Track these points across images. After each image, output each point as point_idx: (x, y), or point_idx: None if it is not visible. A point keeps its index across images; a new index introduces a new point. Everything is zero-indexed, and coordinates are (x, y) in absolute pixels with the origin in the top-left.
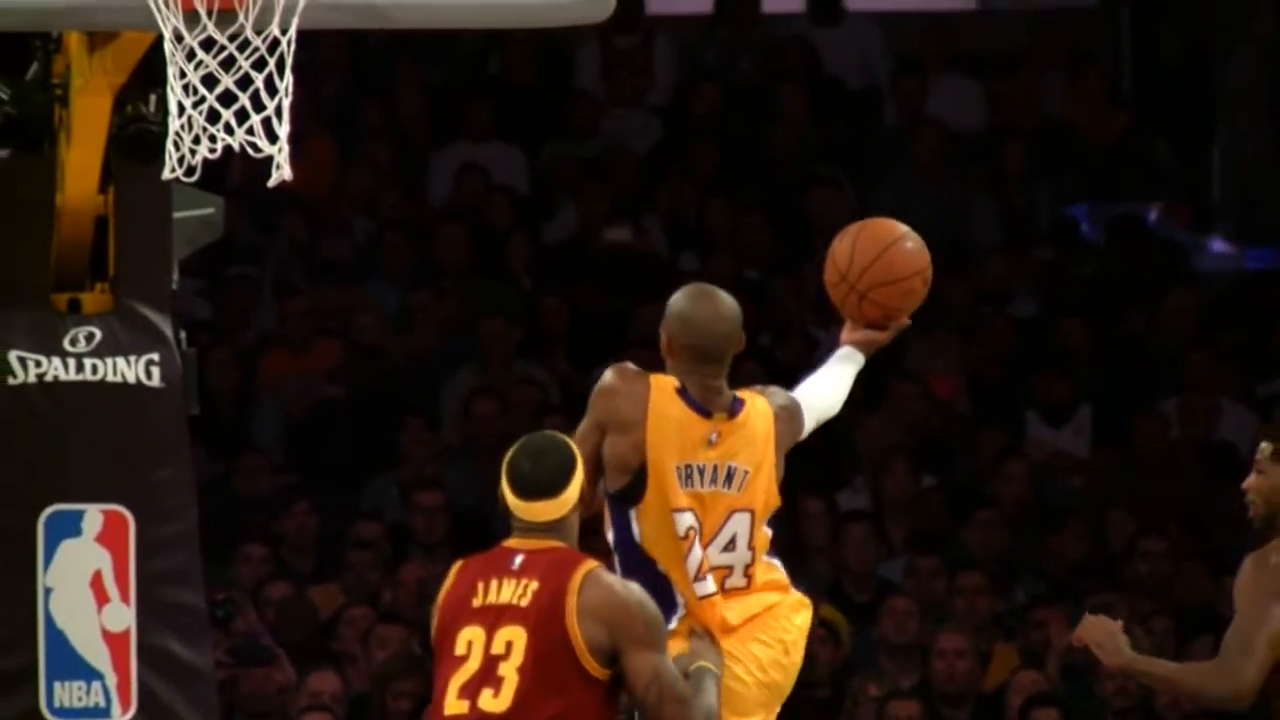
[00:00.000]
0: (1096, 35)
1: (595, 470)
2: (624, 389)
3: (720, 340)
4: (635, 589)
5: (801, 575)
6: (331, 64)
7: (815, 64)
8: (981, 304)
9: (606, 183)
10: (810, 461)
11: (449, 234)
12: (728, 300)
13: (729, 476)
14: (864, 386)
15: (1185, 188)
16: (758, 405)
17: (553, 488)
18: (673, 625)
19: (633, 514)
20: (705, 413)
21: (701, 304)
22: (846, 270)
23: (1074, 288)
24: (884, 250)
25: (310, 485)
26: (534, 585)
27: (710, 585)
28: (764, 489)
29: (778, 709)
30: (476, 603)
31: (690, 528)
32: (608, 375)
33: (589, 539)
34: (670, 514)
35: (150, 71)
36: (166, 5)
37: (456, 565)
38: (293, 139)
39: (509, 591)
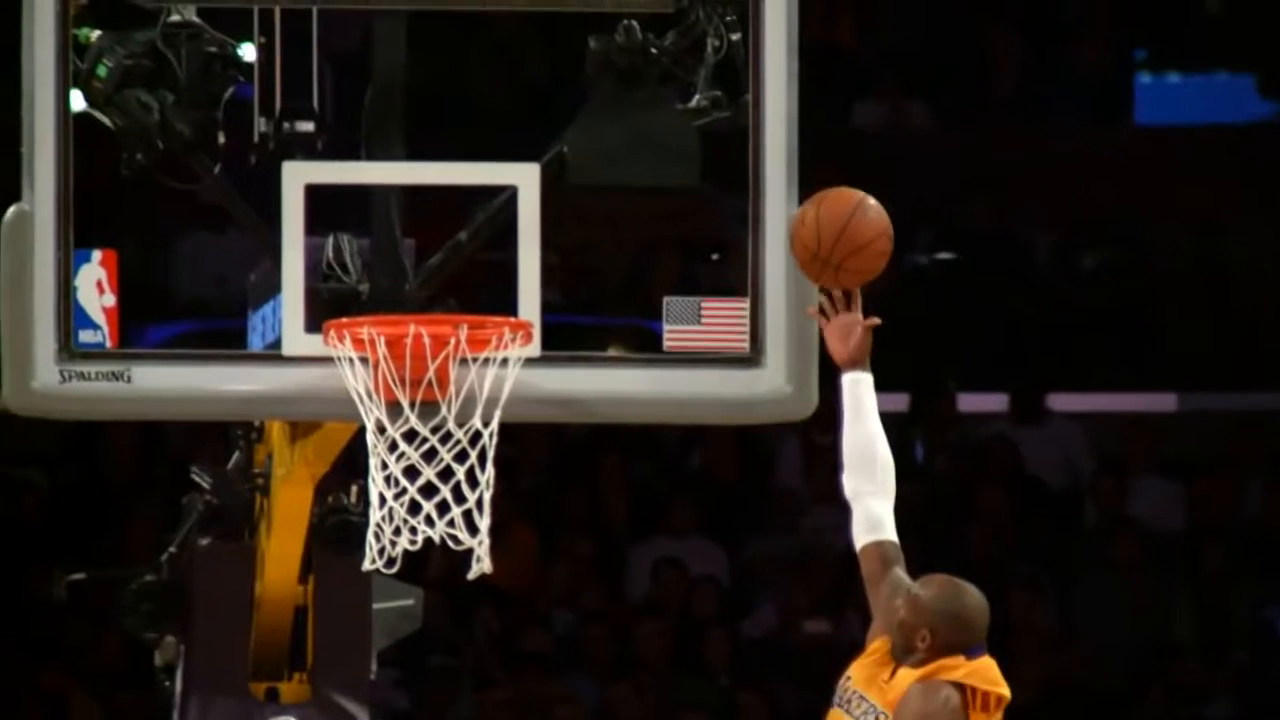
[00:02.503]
0: None
1: None
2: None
3: (985, 630)
4: None
5: None
6: (532, 456)
7: (1017, 463)
8: (1178, 705)
9: (806, 578)
10: None
11: (648, 628)
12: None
13: None
14: None
15: None
16: None
17: None
18: None
19: None
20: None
21: (967, 599)
22: (816, 249)
23: (1272, 691)
24: (846, 223)
25: None
26: None
27: None
28: None
29: None
30: None
31: None
32: (947, 699)
33: None
34: None
35: (351, 462)
36: (370, 397)
37: None
38: (493, 531)
39: None
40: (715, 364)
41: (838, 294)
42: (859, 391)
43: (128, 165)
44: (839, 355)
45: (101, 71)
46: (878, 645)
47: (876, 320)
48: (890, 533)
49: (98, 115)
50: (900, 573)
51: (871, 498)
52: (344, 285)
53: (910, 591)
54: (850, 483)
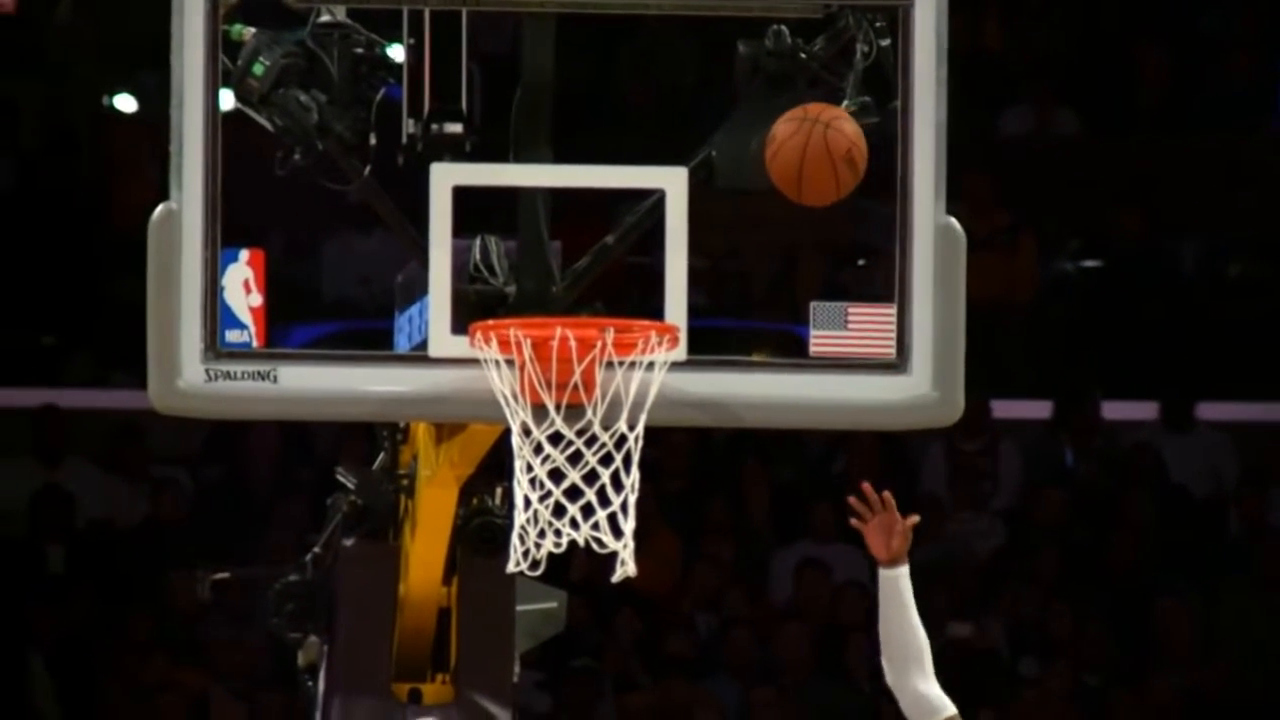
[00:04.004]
0: None
1: None
2: None
3: None
4: None
5: None
6: (676, 460)
7: (1162, 471)
8: None
9: (949, 582)
10: None
11: (790, 632)
12: None
13: None
14: None
15: None
16: None
17: None
18: None
19: None
20: None
21: None
22: (804, 113)
23: None
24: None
25: None
26: None
27: None
28: None
29: None
30: None
31: None
32: None
33: None
34: None
35: (497, 464)
36: (515, 399)
37: None
38: (637, 535)
39: None
40: (861, 369)
41: (873, 496)
42: (900, 585)
43: (283, 165)
44: (880, 554)
45: (258, 70)
46: None
47: (916, 518)
48: (952, 706)
49: (251, 114)
50: None
51: (922, 684)
52: (490, 287)
53: None
54: (895, 672)
